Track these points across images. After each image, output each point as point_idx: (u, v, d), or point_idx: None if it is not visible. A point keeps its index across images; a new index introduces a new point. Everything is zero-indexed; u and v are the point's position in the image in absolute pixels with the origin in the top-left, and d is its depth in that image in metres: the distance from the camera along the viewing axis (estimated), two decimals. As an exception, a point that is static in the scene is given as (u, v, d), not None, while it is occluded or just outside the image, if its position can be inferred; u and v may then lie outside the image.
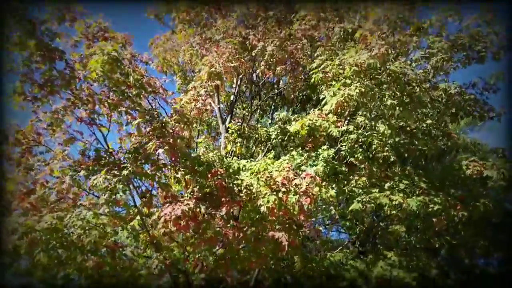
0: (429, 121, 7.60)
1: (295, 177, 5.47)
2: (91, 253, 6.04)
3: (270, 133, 8.02)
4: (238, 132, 7.99)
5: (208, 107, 9.80)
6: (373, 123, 6.62)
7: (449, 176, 7.01)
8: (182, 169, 5.83)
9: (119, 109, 6.33)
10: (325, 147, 6.88)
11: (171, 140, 5.55)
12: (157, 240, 6.92)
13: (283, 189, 5.37)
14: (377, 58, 5.83)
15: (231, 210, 5.55)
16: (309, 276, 6.88)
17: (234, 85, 11.64)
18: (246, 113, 10.89)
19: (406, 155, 7.05)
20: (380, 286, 6.73)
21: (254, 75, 11.21)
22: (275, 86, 12.41)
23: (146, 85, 7.44)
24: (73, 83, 6.32)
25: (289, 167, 5.74)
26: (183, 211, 5.02)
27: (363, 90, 5.78)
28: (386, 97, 6.12)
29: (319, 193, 5.50)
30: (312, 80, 6.99)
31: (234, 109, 11.97)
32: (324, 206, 7.26)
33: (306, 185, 5.27)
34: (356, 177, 6.84)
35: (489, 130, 19.58)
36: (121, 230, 6.74)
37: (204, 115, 8.87)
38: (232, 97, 11.56)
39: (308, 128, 6.39)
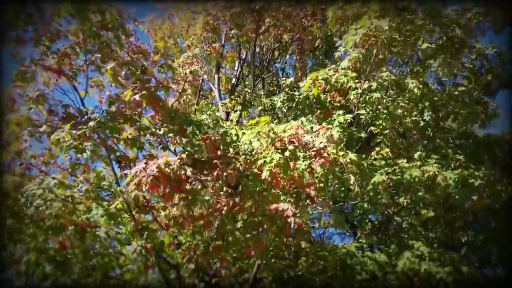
0: (461, 88, 6.44)
1: (305, 134, 4.32)
2: (52, 230, 4.91)
3: (275, 102, 6.89)
4: (239, 98, 6.85)
5: (205, 76, 8.75)
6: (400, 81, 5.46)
7: (488, 148, 5.84)
8: (165, 126, 4.69)
9: (93, 57, 5.26)
10: (340, 112, 5.75)
11: (151, 85, 4.43)
12: (143, 226, 5.82)
13: (291, 147, 4.21)
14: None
15: (224, 175, 4.39)
16: (322, 267, 5.68)
17: (235, 68, 10.66)
18: (248, 90, 9.77)
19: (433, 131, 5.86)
20: (406, 281, 5.54)
21: (257, 49, 10.15)
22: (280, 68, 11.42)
23: (137, 50, 6.40)
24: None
25: (298, 126, 4.58)
26: (159, 168, 3.87)
27: (393, 25, 4.64)
28: (421, 40, 4.98)
29: (335, 156, 4.34)
30: (328, 19, 5.85)
31: (236, 93, 10.96)
32: (337, 185, 6.08)
33: (321, 142, 4.11)
34: (378, 149, 5.68)
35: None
36: (95, 207, 5.65)
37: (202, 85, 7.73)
38: (233, 80, 10.55)
39: (322, 81, 5.23)
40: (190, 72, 7.37)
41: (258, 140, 4.44)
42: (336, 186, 6.08)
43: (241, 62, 10.36)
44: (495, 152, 6.21)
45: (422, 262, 5.44)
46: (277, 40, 9.86)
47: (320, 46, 10.39)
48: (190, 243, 5.66)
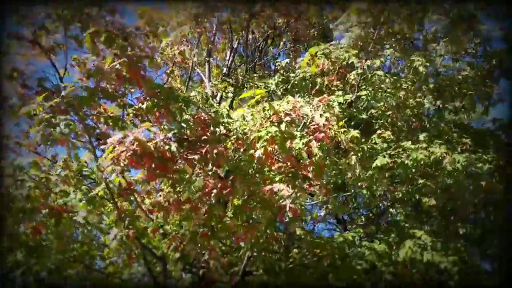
0: (464, 73, 6.13)
1: (304, 106, 3.93)
2: (23, 213, 4.46)
3: (270, 84, 6.50)
4: (231, 79, 6.43)
5: (195, 59, 8.32)
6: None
7: (492, 135, 5.53)
8: (148, 99, 4.26)
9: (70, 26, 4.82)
10: (340, 93, 5.38)
11: (133, 53, 3.99)
12: (126, 213, 5.38)
13: (287, 118, 3.82)
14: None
15: (214, 152, 3.97)
16: (317, 258, 5.30)
17: (227, 58, 10.26)
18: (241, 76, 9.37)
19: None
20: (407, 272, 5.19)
21: (250, 36, 9.76)
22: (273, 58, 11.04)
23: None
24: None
25: (295, 101, 4.19)
26: (138, 141, 3.44)
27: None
28: (430, 12, 4.64)
29: (336, 132, 3.97)
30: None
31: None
32: (334, 172, 5.70)
33: (321, 115, 3.73)
34: (379, 132, 5.32)
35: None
36: (73, 191, 5.21)
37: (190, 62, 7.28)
38: (224, 70, 10.13)
39: (322, 56, 4.84)
40: (179, 53, 6.94)
41: (251, 115, 4.03)
42: (334, 172, 5.71)
43: (233, 51, 9.97)
44: (500, 139, 5.91)
45: (425, 252, 5.10)
46: (271, 26, 9.50)
47: (315, 35, 10.06)
48: (177, 232, 5.26)
